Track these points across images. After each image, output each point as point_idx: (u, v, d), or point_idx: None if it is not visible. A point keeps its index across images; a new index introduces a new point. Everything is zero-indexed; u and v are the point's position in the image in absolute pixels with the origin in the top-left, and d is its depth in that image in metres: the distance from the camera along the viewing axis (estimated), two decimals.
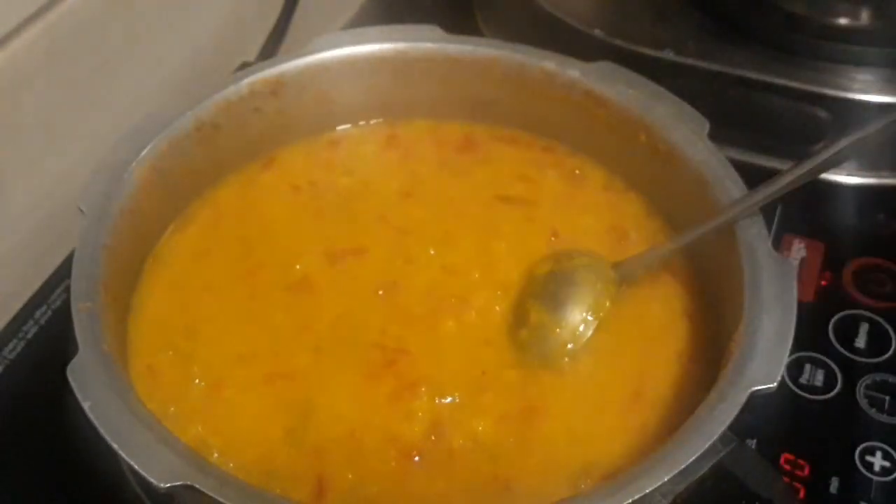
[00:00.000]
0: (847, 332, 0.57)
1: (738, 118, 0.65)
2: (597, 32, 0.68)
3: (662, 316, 0.51)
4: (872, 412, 0.53)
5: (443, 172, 0.59)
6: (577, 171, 0.58)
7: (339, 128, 0.61)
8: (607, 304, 0.50)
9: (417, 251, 0.54)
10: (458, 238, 0.55)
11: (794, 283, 0.45)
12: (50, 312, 0.58)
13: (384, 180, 0.59)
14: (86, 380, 0.40)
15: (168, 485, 0.37)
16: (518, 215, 0.56)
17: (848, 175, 0.65)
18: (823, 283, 0.60)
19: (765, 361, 0.41)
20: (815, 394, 0.54)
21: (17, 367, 0.55)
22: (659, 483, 0.37)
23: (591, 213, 0.56)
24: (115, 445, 0.38)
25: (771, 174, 0.60)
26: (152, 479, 0.37)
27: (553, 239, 0.54)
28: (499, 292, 0.52)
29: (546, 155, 0.60)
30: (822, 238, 0.62)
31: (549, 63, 0.58)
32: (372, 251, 0.54)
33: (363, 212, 0.56)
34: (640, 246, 0.53)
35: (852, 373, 0.55)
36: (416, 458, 0.44)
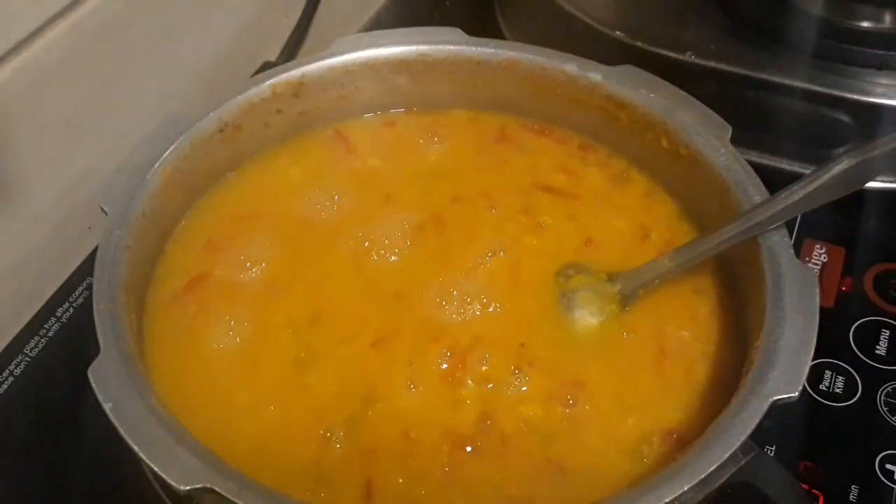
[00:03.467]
0: (868, 339, 0.57)
1: (759, 121, 0.65)
2: (618, 34, 0.68)
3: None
4: (893, 420, 0.53)
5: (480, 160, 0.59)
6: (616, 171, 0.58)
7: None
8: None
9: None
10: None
11: (817, 292, 0.45)
12: (72, 310, 0.58)
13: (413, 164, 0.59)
14: (107, 381, 0.41)
15: (187, 487, 0.37)
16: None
17: None
18: (844, 288, 0.60)
19: (786, 370, 0.41)
20: (835, 401, 0.54)
21: (39, 364, 0.56)
22: (679, 492, 0.37)
23: (625, 214, 0.56)
24: (135, 447, 0.38)
25: (792, 178, 0.60)
26: (172, 482, 0.37)
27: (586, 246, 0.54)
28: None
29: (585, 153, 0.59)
30: (843, 243, 0.62)
31: (570, 66, 0.58)
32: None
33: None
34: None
35: (873, 380, 0.55)
36: (469, 449, 0.44)
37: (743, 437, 0.39)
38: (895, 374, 0.55)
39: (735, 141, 0.52)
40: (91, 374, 0.41)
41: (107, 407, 0.40)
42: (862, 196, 0.64)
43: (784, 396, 0.40)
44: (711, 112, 0.53)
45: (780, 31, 0.67)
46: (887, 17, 0.68)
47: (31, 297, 0.59)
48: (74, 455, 0.52)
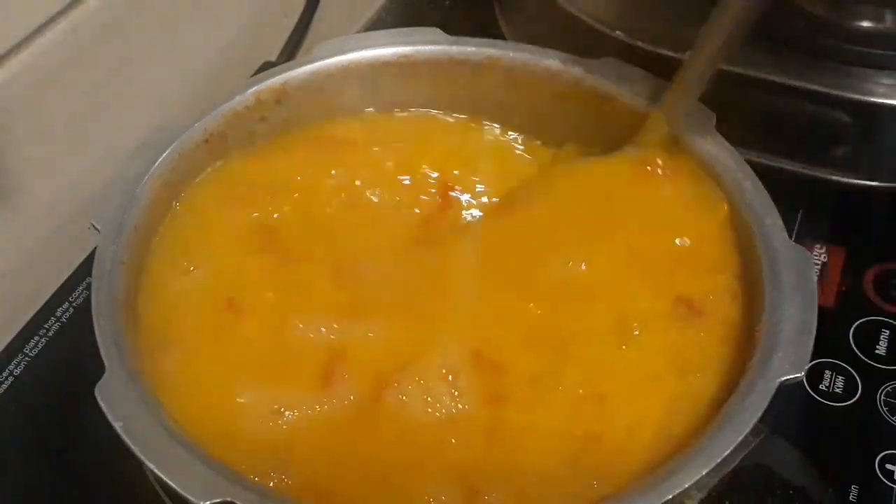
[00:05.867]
0: (868, 339, 0.57)
1: (758, 121, 0.65)
2: (618, 34, 0.68)
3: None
4: (893, 420, 0.53)
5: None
6: None
7: None
8: None
9: None
10: None
11: (813, 272, 0.45)
12: (72, 310, 0.58)
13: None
14: (115, 399, 0.40)
15: (209, 502, 0.36)
16: None
17: (869, 180, 0.65)
18: (844, 288, 0.60)
19: (791, 351, 0.42)
20: (835, 401, 0.54)
21: (39, 364, 0.56)
22: (697, 477, 0.38)
23: None
24: (151, 465, 0.38)
25: (791, 178, 0.60)
26: (192, 497, 0.37)
27: None
28: None
29: None
30: (843, 243, 0.62)
31: (552, 61, 0.57)
32: None
33: None
34: None
35: (873, 380, 0.55)
36: None
37: (754, 420, 0.39)
38: (895, 374, 0.55)
39: (735, 140, 0.52)
40: (98, 393, 0.40)
41: (117, 426, 0.39)
42: (862, 196, 0.65)
43: (790, 377, 0.40)
44: (695, 100, 0.53)
45: (779, 31, 0.67)
46: (887, 17, 0.68)
47: (31, 297, 0.59)
48: (74, 455, 0.52)
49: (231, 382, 0.46)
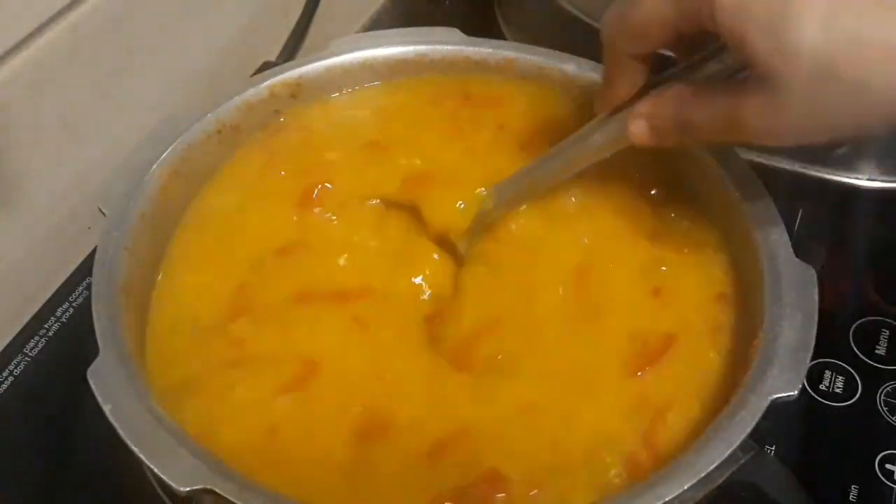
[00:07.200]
0: (868, 339, 0.57)
1: None
2: None
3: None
4: (893, 420, 0.53)
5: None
6: None
7: None
8: None
9: None
10: None
11: (815, 291, 0.44)
12: (72, 310, 0.58)
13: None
14: (107, 383, 0.40)
15: (188, 489, 0.37)
16: None
17: (870, 180, 0.65)
18: (844, 288, 0.60)
19: (785, 369, 0.41)
20: (835, 401, 0.54)
21: (39, 364, 0.56)
22: (679, 491, 0.37)
23: None
24: (135, 449, 0.38)
25: (791, 177, 0.60)
26: (172, 483, 0.37)
27: None
28: None
29: None
30: (844, 243, 0.62)
31: (568, 65, 0.58)
32: None
33: None
34: None
35: (873, 380, 0.55)
36: None
37: (743, 436, 0.39)
38: (895, 374, 0.55)
39: None
40: (90, 376, 0.40)
41: (106, 408, 0.39)
42: (863, 196, 0.64)
43: (783, 395, 0.40)
44: None
45: None
46: None
47: (31, 297, 0.59)
48: (74, 455, 0.52)
49: None
